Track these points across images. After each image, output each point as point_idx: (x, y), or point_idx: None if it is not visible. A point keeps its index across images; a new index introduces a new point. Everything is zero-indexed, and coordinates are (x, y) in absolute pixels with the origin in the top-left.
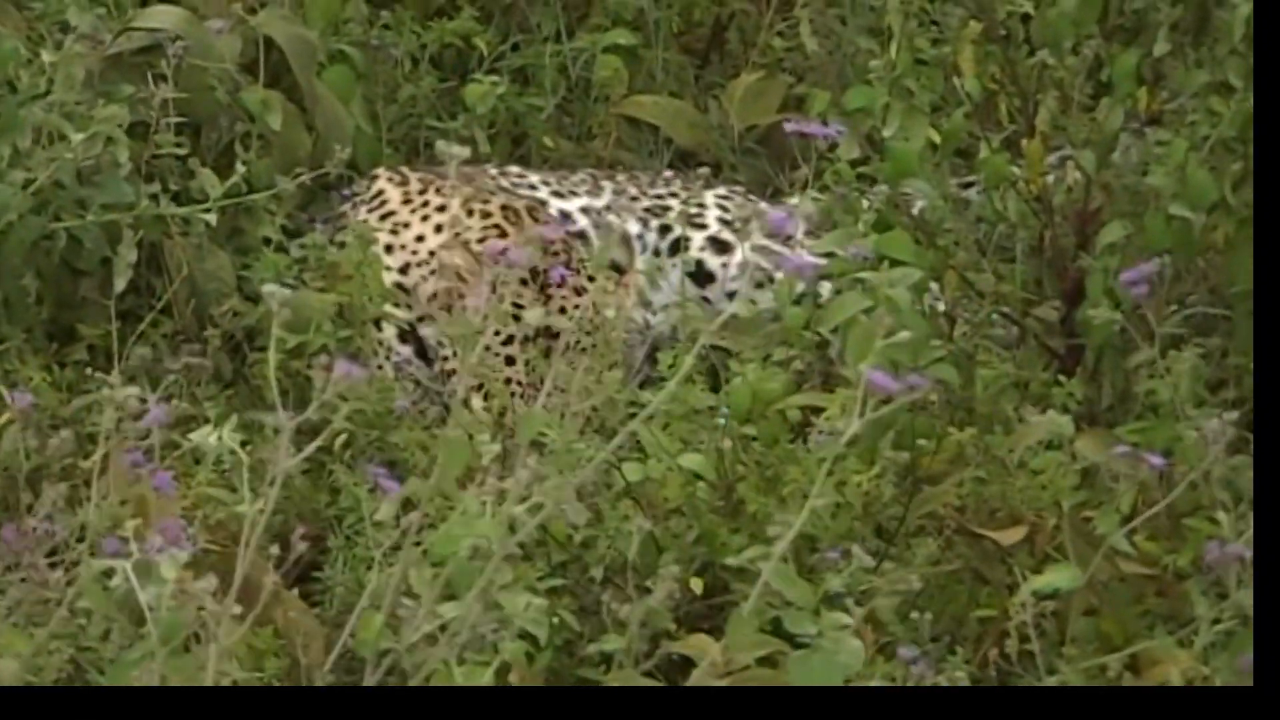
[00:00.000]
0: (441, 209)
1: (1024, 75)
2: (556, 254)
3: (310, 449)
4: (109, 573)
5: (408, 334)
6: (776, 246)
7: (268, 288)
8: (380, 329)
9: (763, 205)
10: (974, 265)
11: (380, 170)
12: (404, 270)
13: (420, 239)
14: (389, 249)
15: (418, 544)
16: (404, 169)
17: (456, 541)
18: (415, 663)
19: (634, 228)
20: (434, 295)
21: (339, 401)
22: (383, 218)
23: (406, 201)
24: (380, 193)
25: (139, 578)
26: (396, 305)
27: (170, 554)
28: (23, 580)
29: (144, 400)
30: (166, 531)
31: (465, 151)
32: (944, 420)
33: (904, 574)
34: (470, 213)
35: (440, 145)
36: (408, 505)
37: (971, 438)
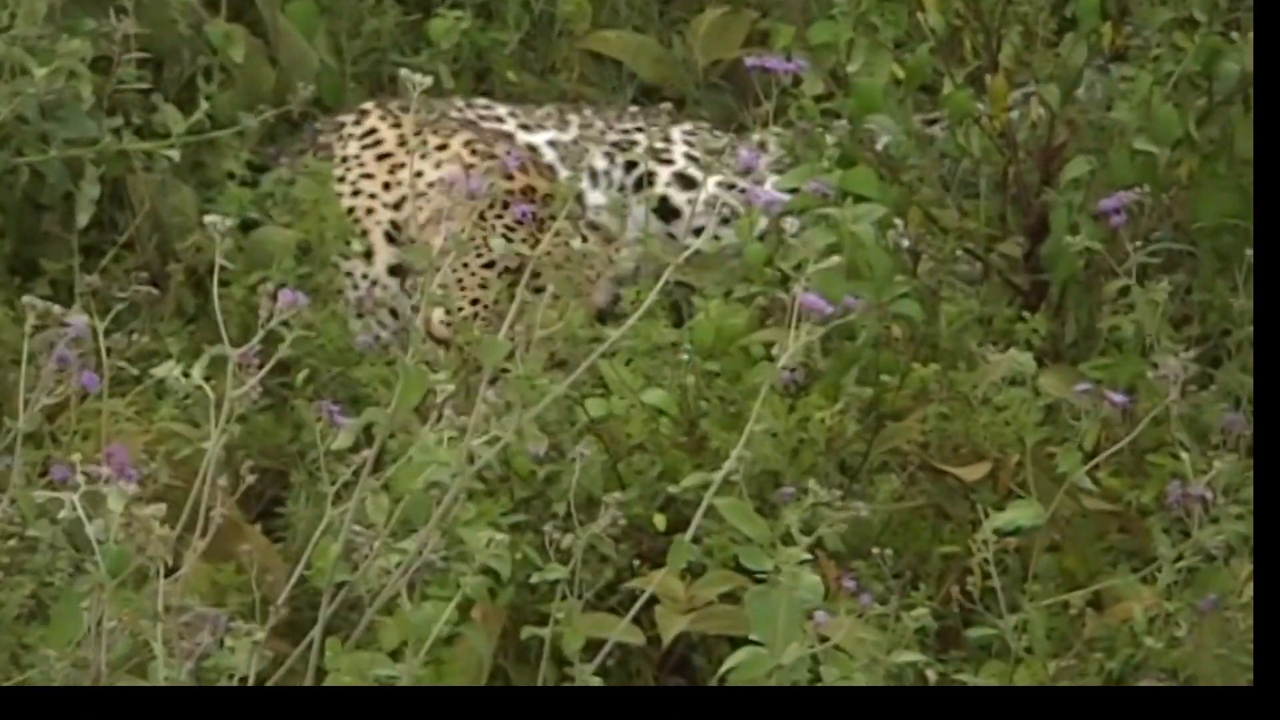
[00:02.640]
0: (442, 148)
1: (988, 11)
2: (519, 191)
3: (258, 379)
4: (59, 504)
5: (398, 268)
6: (741, 182)
7: (210, 218)
8: (370, 262)
9: (727, 141)
10: (938, 201)
11: (369, 105)
12: (397, 207)
13: (420, 175)
14: (386, 187)
15: (375, 476)
16: (394, 107)
17: (416, 474)
18: (371, 593)
19: (600, 163)
20: (423, 226)
21: (284, 330)
22: (379, 158)
23: (403, 143)
24: (373, 130)
25: (88, 510)
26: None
27: (118, 486)
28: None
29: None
30: (113, 460)
31: (428, 81)
32: (908, 356)
33: (857, 504)
34: (474, 153)
35: (404, 74)
36: (369, 438)
37: (935, 374)
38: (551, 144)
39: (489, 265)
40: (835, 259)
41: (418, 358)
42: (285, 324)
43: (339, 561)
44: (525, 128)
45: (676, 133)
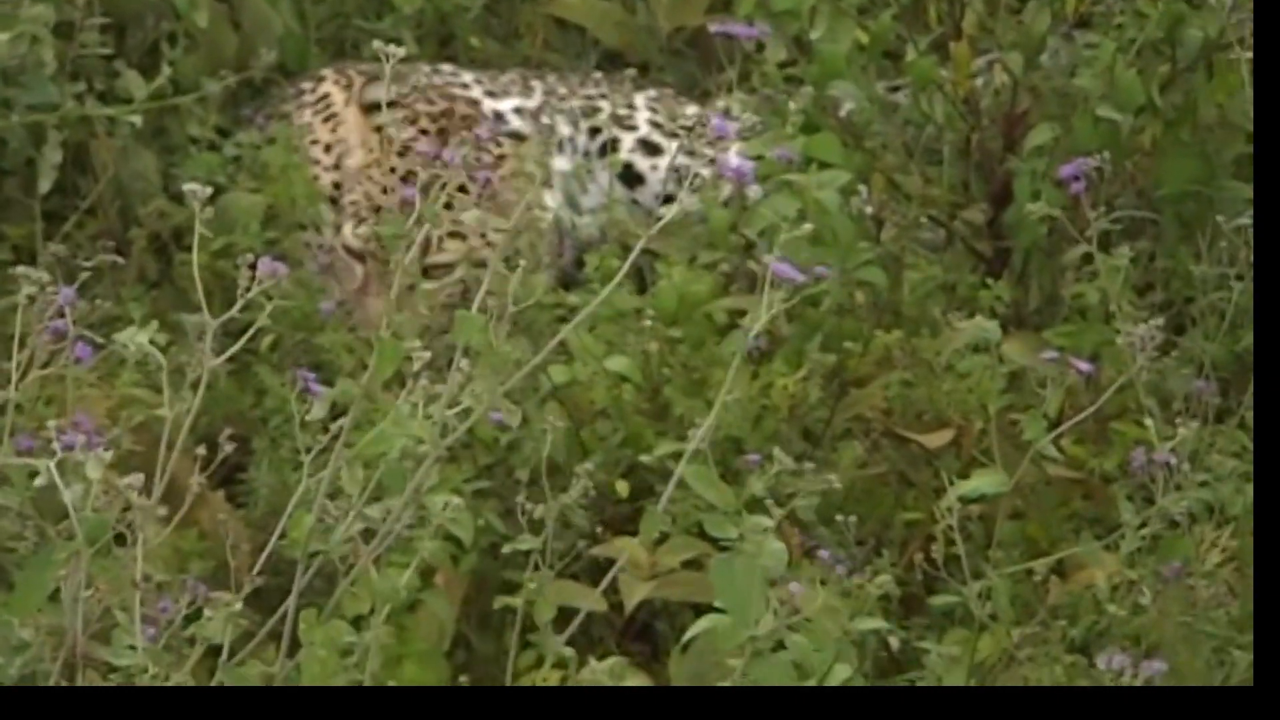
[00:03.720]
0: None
1: None
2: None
3: (233, 350)
4: (33, 473)
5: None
6: (706, 149)
7: (189, 186)
8: (339, 230)
9: (692, 109)
10: (901, 168)
11: (326, 71)
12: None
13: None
14: (327, 148)
15: (349, 445)
16: (349, 70)
17: (389, 443)
18: (344, 562)
19: (565, 129)
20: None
21: (264, 301)
22: (326, 119)
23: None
24: (326, 95)
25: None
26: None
27: (95, 454)
28: None
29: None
30: (82, 427)
31: (402, 51)
32: (871, 323)
33: (825, 475)
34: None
35: (376, 45)
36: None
37: (898, 341)
38: (517, 111)
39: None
40: (806, 226)
41: (392, 327)
42: (266, 295)
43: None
44: (491, 94)
45: (640, 99)
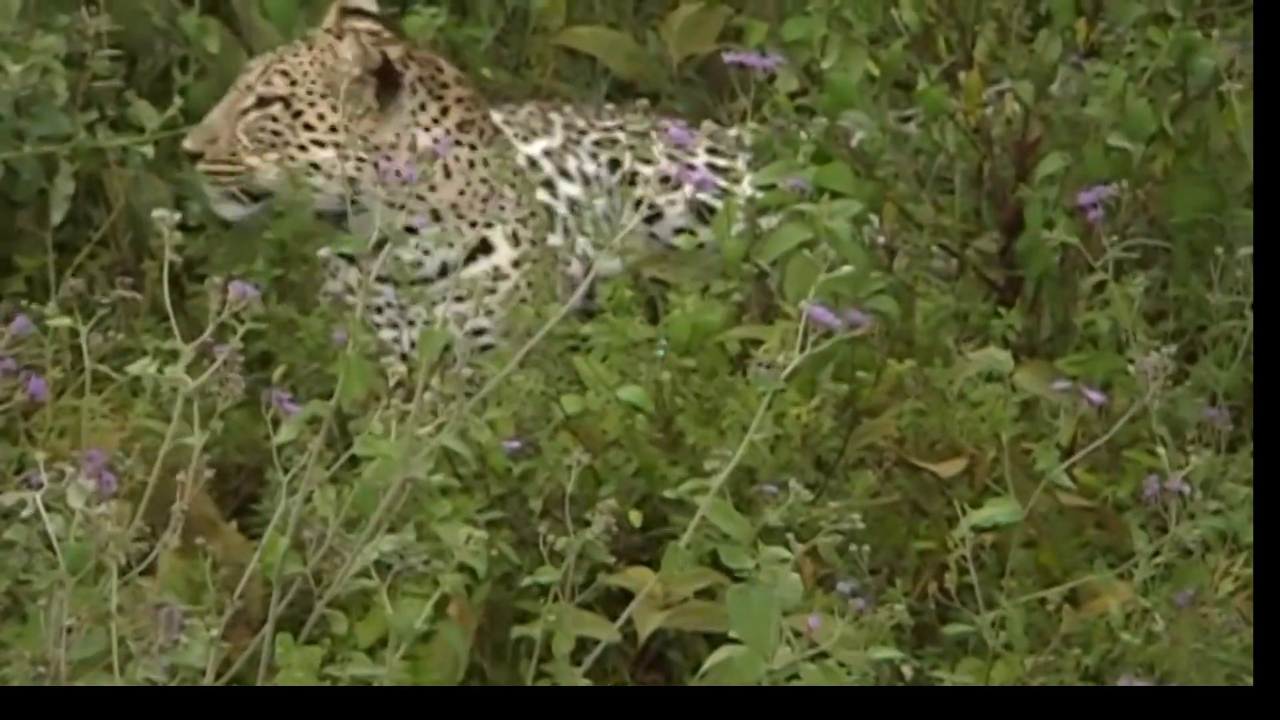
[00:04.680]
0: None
1: (962, 7)
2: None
3: (210, 371)
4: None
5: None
6: (722, 181)
7: (157, 212)
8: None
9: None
10: (913, 197)
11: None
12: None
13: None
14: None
15: (333, 466)
16: None
17: (381, 468)
18: (324, 587)
19: (590, 167)
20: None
21: (235, 323)
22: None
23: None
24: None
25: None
26: None
27: (79, 484)
28: None
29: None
30: (90, 462)
31: None
32: (883, 352)
33: (844, 509)
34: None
35: None
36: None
37: (911, 370)
38: (546, 153)
39: None
40: (805, 252)
41: (359, 348)
42: (237, 317)
43: (290, 554)
44: (521, 138)
45: (657, 133)
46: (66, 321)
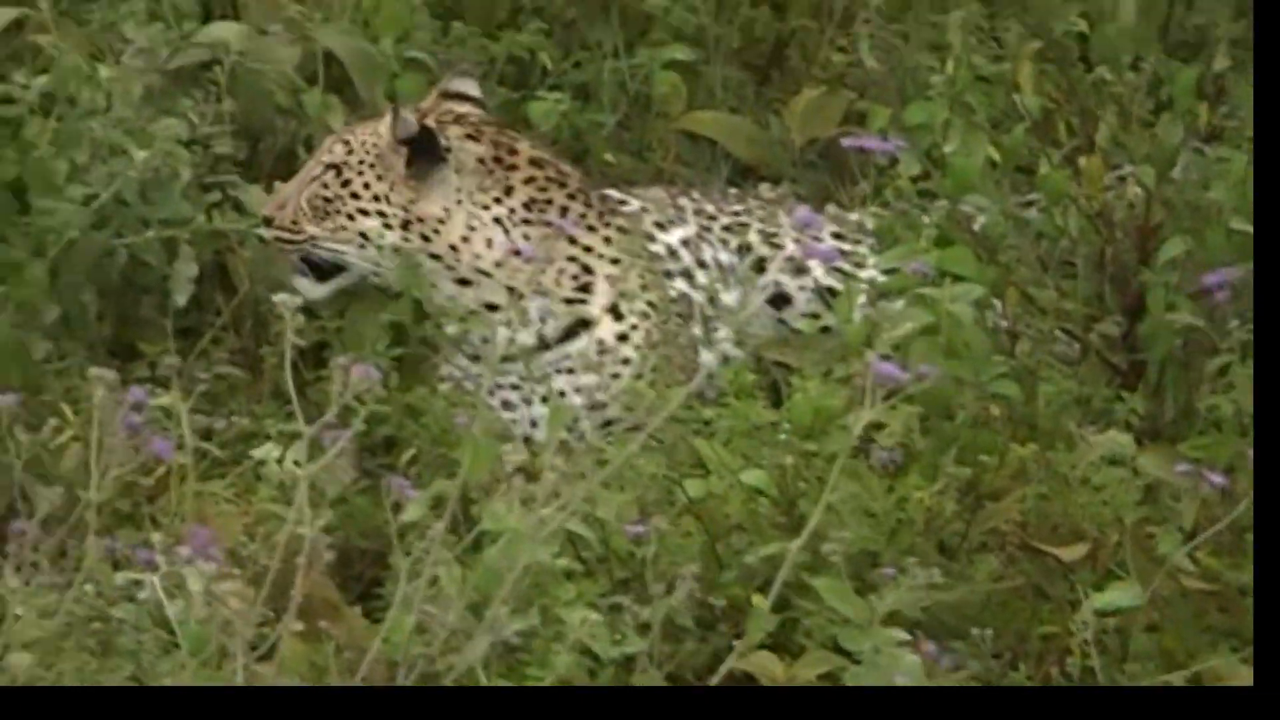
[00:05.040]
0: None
1: (1083, 91)
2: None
3: (330, 455)
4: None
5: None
6: (847, 266)
7: (279, 296)
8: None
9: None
10: (1035, 281)
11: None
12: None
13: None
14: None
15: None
16: None
17: (506, 550)
18: (447, 669)
19: (724, 256)
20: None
21: (358, 405)
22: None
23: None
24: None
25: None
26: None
27: (198, 565)
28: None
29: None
30: (195, 541)
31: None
32: (1006, 436)
33: (967, 594)
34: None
35: None
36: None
37: (1034, 454)
38: (684, 243)
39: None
40: (914, 326)
41: (484, 429)
42: (359, 399)
43: (413, 636)
44: (660, 226)
45: (784, 216)
46: (178, 403)
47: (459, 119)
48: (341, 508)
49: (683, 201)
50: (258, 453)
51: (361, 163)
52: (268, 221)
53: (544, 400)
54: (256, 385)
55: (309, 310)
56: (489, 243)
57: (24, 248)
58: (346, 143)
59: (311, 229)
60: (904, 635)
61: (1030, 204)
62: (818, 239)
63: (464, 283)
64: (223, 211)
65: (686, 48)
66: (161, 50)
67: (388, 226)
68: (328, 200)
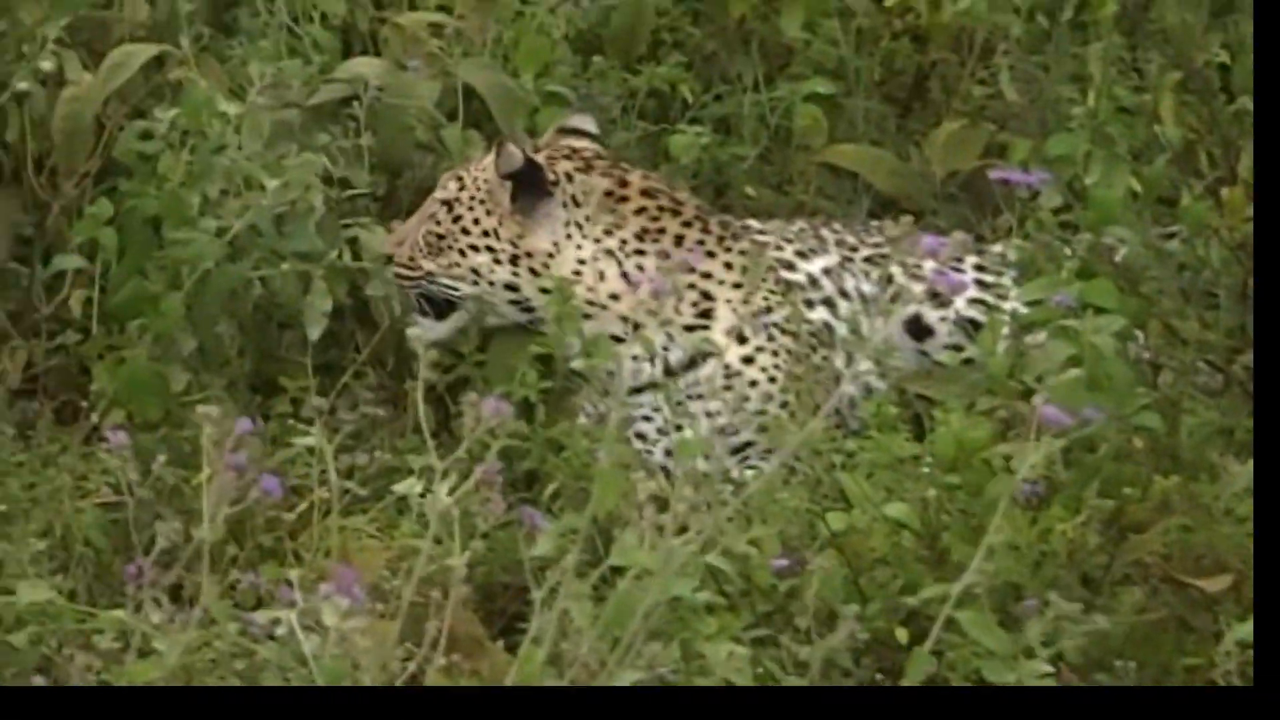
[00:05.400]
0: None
1: (1225, 122)
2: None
3: (462, 487)
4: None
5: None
6: (989, 298)
7: (411, 330)
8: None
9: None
10: (1178, 313)
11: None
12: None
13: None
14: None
15: (587, 579)
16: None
17: (642, 584)
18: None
19: (866, 286)
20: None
21: (490, 439)
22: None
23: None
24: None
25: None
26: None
27: (333, 600)
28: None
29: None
30: (340, 579)
31: None
32: (1149, 468)
33: (1097, 617)
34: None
35: None
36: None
37: (1177, 486)
38: (826, 272)
39: None
40: (1074, 371)
41: (614, 459)
42: (493, 434)
43: (546, 669)
44: (801, 255)
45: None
46: (323, 443)
47: (571, 154)
48: (484, 542)
49: (824, 233)
50: (400, 488)
51: (472, 198)
52: (387, 259)
53: (678, 429)
54: (399, 420)
55: (450, 346)
56: (601, 275)
57: (161, 280)
58: (460, 178)
59: (427, 265)
60: (1048, 668)
61: (1172, 235)
62: (957, 268)
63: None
64: (360, 246)
65: (827, 80)
66: (295, 85)
67: (497, 262)
68: (440, 236)
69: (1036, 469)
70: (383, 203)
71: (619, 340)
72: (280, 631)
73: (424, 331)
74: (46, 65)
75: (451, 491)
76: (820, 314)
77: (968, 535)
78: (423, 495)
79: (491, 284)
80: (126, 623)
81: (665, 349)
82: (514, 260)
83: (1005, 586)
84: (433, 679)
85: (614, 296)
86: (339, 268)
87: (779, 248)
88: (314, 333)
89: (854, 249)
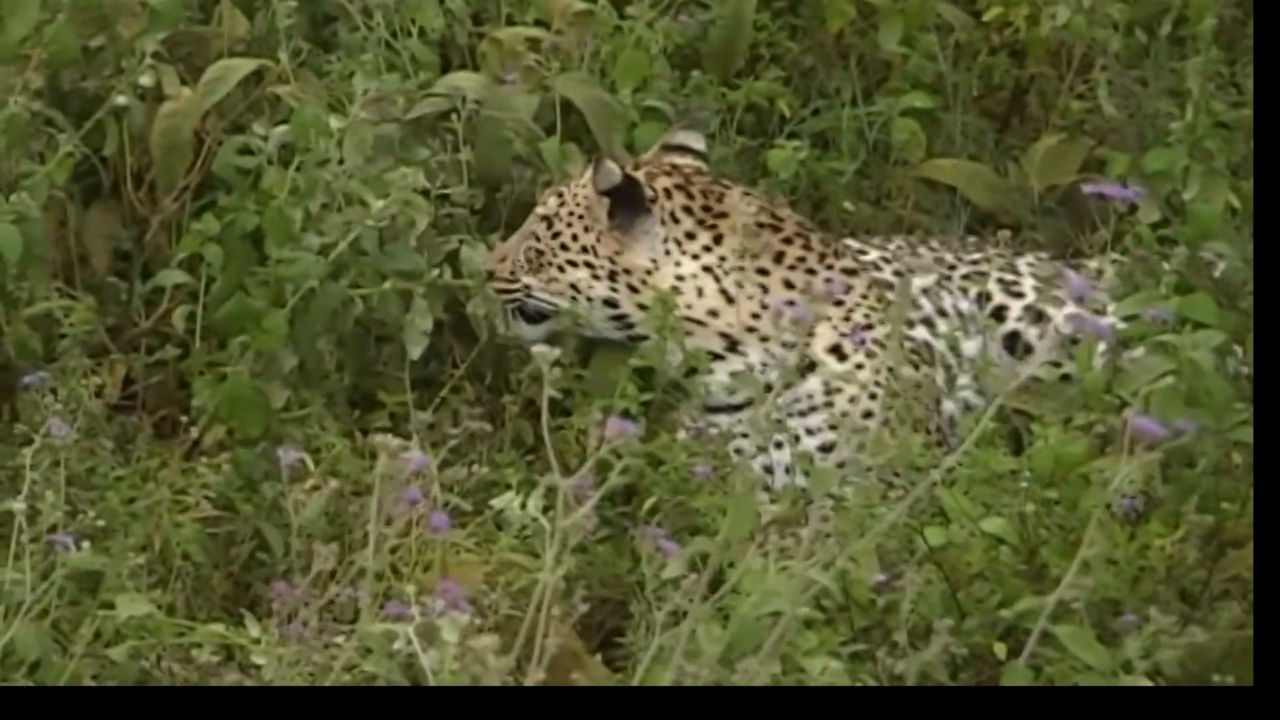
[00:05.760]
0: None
1: None
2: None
3: (586, 507)
4: (392, 636)
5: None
6: (1084, 312)
7: (538, 349)
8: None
9: (1062, 268)
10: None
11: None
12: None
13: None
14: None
15: (708, 601)
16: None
17: (759, 602)
18: None
19: (964, 304)
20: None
21: (614, 459)
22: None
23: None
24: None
25: (422, 641)
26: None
27: (451, 617)
28: (325, 647)
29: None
30: (447, 594)
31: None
32: (1248, 483)
33: (1193, 629)
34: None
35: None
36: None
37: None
38: (924, 291)
39: None
40: (1168, 380)
41: (748, 485)
42: (615, 453)
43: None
44: (899, 274)
45: (1023, 264)
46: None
47: (671, 170)
48: (582, 556)
49: (922, 251)
50: (498, 502)
51: (571, 214)
52: (489, 275)
53: (779, 446)
54: (497, 434)
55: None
56: (700, 291)
57: (263, 297)
58: (560, 195)
59: (527, 280)
60: (1146, 683)
61: None
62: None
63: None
64: (460, 262)
65: (925, 95)
66: (397, 99)
67: (596, 277)
68: (540, 252)
69: (1135, 484)
70: (480, 216)
71: (718, 357)
72: (396, 646)
73: (520, 333)
74: (145, 80)
75: (550, 506)
76: (920, 333)
77: (1065, 550)
78: (523, 506)
79: (590, 299)
80: (226, 636)
81: (765, 365)
82: (612, 276)
83: (1104, 602)
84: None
85: (713, 313)
86: (439, 285)
87: (878, 267)
88: (415, 351)
89: (951, 267)
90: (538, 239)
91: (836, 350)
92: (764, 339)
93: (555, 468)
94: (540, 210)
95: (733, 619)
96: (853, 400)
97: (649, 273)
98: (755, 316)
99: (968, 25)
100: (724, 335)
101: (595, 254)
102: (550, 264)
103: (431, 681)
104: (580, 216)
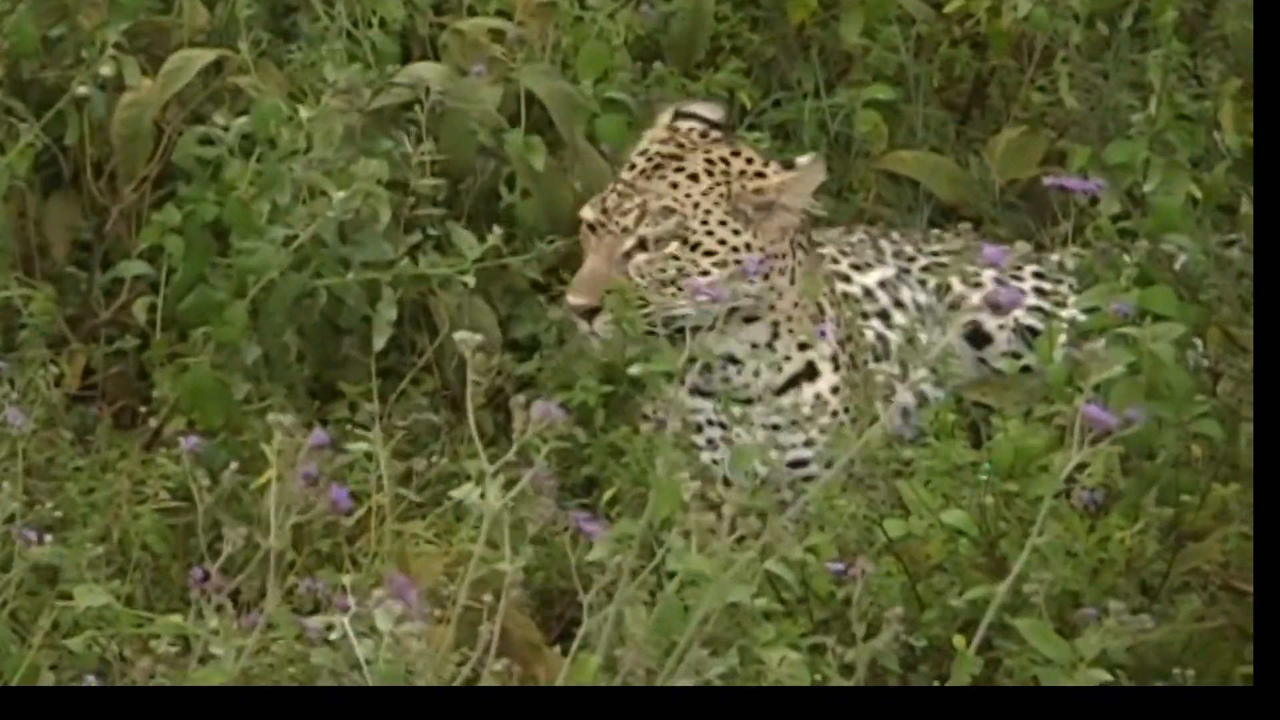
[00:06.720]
0: None
1: None
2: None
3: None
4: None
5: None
6: (1047, 305)
7: (460, 335)
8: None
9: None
10: (1237, 320)
11: None
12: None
13: None
14: None
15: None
16: None
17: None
18: None
19: (922, 297)
20: None
21: (539, 443)
22: None
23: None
24: None
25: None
26: None
27: (386, 606)
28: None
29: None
30: (394, 585)
31: None
32: (1208, 476)
33: (1169, 634)
34: None
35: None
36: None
37: (1236, 494)
38: (881, 284)
39: None
40: (1119, 368)
41: (669, 468)
42: (542, 437)
43: (600, 674)
44: (856, 268)
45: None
46: (378, 447)
47: (668, 137)
48: (541, 548)
49: (883, 244)
50: (457, 493)
51: (705, 223)
52: (591, 311)
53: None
54: (460, 426)
55: (518, 346)
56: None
57: (224, 288)
58: (670, 210)
59: (657, 297)
60: (1106, 676)
61: (1232, 243)
62: (1017, 278)
63: (750, 320)
64: (424, 252)
65: (887, 87)
66: (363, 91)
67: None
68: (680, 270)
69: (1095, 477)
70: (445, 208)
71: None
72: (335, 636)
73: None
74: (106, 70)
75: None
76: (875, 325)
77: (1025, 542)
78: (482, 497)
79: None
80: (185, 628)
81: (779, 367)
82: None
83: (1063, 594)
84: (487, 684)
85: (781, 296)
86: (406, 275)
87: (835, 260)
88: (379, 342)
89: (911, 259)
90: (676, 258)
91: (834, 360)
92: (791, 332)
93: (481, 453)
94: (647, 232)
95: (659, 600)
96: (834, 414)
97: (783, 256)
98: (795, 305)
99: (929, 17)
100: (774, 323)
101: (748, 250)
102: (691, 276)
103: (367, 671)
104: (722, 222)
